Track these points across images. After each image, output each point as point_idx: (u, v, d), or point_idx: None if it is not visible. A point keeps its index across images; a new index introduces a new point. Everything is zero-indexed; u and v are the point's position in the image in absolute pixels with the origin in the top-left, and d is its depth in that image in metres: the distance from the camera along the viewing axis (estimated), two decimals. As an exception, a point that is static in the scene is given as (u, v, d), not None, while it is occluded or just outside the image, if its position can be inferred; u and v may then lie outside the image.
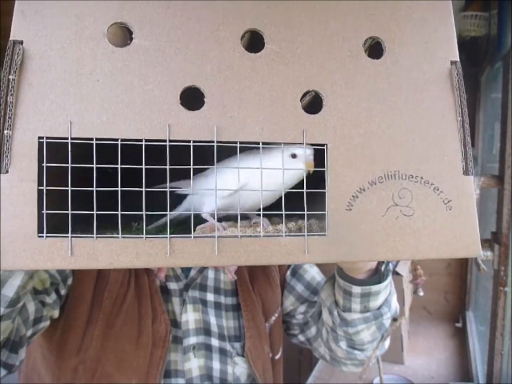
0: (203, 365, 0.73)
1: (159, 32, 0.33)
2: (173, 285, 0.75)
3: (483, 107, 2.38)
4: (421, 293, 1.73)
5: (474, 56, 2.25)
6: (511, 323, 1.19)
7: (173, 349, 0.72)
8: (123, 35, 0.36)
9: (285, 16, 0.34)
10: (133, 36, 0.34)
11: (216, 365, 0.74)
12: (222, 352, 0.75)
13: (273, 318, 0.82)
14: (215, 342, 0.75)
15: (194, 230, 0.36)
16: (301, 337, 0.88)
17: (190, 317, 0.73)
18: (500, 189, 1.19)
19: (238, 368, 0.76)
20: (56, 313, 0.68)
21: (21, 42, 0.33)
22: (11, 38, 0.34)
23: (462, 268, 2.58)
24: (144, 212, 0.34)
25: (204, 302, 0.76)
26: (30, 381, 0.76)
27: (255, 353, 0.77)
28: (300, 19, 0.34)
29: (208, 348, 0.74)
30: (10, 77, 0.32)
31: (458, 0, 1.62)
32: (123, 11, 0.33)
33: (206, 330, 0.74)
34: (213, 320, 0.75)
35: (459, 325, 2.40)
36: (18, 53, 0.32)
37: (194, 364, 0.72)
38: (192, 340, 0.73)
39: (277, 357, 0.85)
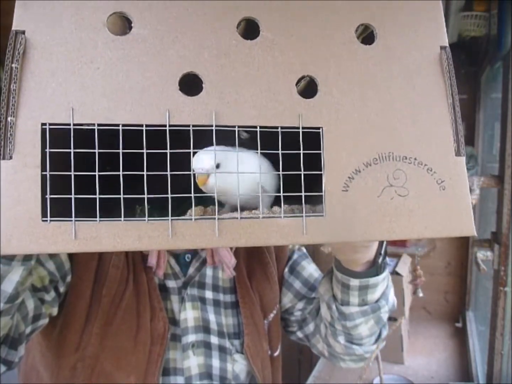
0: (203, 363, 0.73)
1: (158, 22, 0.34)
2: (171, 283, 0.75)
3: (483, 107, 2.38)
4: (421, 294, 1.73)
5: (474, 56, 2.25)
6: (511, 323, 1.19)
7: (172, 347, 0.72)
8: (123, 24, 0.36)
9: (279, 4, 0.36)
10: (132, 25, 0.35)
11: (215, 363, 0.74)
12: (222, 349, 0.75)
13: (272, 315, 0.82)
14: (214, 339, 0.75)
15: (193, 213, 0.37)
16: (300, 334, 0.88)
17: (189, 315, 0.73)
18: (500, 189, 1.19)
19: (238, 365, 0.76)
20: (55, 311, 0.68)
21: (23, 32, 0.34)
22: (13, 28, 0.35)
23: (462, 268, 2.58)
24: (145, 196, 0.35)
25: (202, 300, 0.76)
26: (29, 379, 0.76)
27: (254, 350, 0.76)
28: (294, 7, 0.36)
29: (207, 346, 0.74)
30: (13, 65, 0.33)
31: (458, 0, 1.62)
32: (123, 1, 0.34)
33: (205, 328, 0.74)
34: (212, 317, 0.75)
35: (459, 325, 2.40)
36: (20, 42, 0.33)
37: (193, 362, 0.72)
38: (191, 338, 0.73)
39: (275, 354, 0.83)
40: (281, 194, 0.36)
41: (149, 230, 0.34)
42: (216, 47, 0.35)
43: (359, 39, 0.39)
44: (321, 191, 0.36)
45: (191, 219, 0.35)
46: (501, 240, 1.17)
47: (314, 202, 0.38)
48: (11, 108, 0.32)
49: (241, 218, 0.35)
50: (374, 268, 0.64)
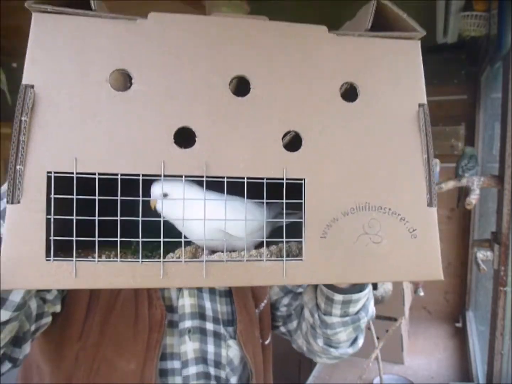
0: (198, 348, 0.75)
1: (156, 78, 0.37)
2: None
3: (483, 107, 2.38)
4: (421, 293, 1.73)
5: (474, 56, 2.25)
6: (511, 323, 1.19)
7: (169, 333, 0.74)
8: (124, 79, 0.39)
9: (269, 63, 0.38)
10: (133, 81, 0.38)
11: (210, 348, 0.76)
12: (217, 335, 0.77)
13: (263, 304, 0.84)
14: (209, 326, 0.77)
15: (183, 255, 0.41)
16: (283, 329, 0.90)
17: (186, 301, 0.75)
18: (500, 189, 1.19)
19: (232, 350, 0.78)
20: (58, 308, 0.69)
21: (32, 86, 0.37)
22: (23, 82, 0.37)
23: (462, 268, 2.58)
24: (140, 240, 0.38)
25: (199, 288, 0.78)
26: (28, 375, 0.77)
27: (246, 336, 0.79)
28: (282, 66, 0.39)
29: (203, 332, 0.76)
30: (23, 118, 0.36)
31: (458, 0, 1.62)
32: (124, 59, 0.37)
33: (201, 315, 0.76)
34: (208, 304, 0.77)
35: (459, 325, 2.40)
36: (30, 97, 0.36)
37: (189, 347, 0.74)
38: (187, 323, 0.75)
39: (266, 342, 0.86)
40: (264, 239, 0.39)
41: (142, 270, 0.37)
42: (209, 103, 0.37)
43: (342, 93, 0.41)
44: (302, 236, 0.39)
45: (181, 261, 0.38)
46: (501, 240, 1.17)
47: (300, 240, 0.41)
48: (20, 158, 0.35)
49: (226, 261, 0.38)
50: (358, 286, 0.67)
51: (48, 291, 0.66)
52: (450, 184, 1.35)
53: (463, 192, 1.64)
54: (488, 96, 2.25)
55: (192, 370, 0.74)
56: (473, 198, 1.24)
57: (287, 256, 0.40)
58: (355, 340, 0.79)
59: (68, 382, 0.70)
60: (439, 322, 2.51)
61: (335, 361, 0.84)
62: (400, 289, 1.91)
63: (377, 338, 1.58)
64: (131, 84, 0.38)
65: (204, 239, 0.39)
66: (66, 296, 0.70)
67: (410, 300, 2.09)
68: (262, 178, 0.38)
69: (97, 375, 0.70)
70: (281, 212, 0.42)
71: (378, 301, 1.74)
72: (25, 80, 0.37)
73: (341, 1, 1.77)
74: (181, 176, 0.37)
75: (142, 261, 0.37)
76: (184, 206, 0.38)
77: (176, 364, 0.74)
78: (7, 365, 0.62)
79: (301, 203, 0.39)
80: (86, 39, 0.37)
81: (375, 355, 1.57)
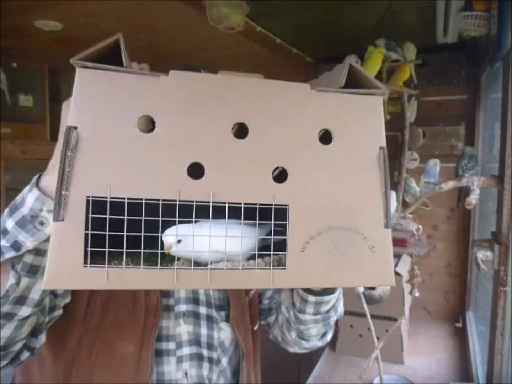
0: (192, 330, 0.82)
1: (174, 123, 0.47)
2: None
3: (483, 107, 2.38)
4: (417, 294, 1.73)
5: (474, 56, 2.25)
6: (511, 323, 1.19)
7: (165, 316, 0.80)
8: (148, 123, 0.48)
9: (263, 113, 0.49)
10: (156, 125, 0.47)
11: (203, 330, 0.83)
12: (209, 319, 0.84)
13: (252, 292, 0.92)
14: (203, 310, 0.84)
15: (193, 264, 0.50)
16: (263, 322, 0.98)
17: None
18: (500, 189, 1.19)
19: (223, 333, 0.85)
20: (68, 299, 0.75)
21: (76, 128, 0.46)
22: (68, 124, 0.46)
23: (462, 268, 2.58)
24: (159, 251, 0.48)
25: None
26: (29, 366, 0.80)
27: (238, 320, 0.86)
28: (273, 116, 0.49)
29: (196, 315, 0.83)
30: (68, 153, 0.45)
31: (458, 0, 1.62)
32: (149, 107, 0.47)
33: (195, 299, 0.83)
34: (201, 290, 0.84)
35: (459, 325, 2.40)
36: (74, 136, 0.45)
37: (183, 330, 0.81)
38: (182, 307, 0.82)
39: (255, 328, 0.93)
40: (256, 252, 0.51)
41: (160, 275, 0.47)
42: (216, 144, 0.47)
43: (320, 137, 0.51)
44: (286, 250, 0.50)
45: (190, 269, 0.48)
46: (501, 240, 1.17)
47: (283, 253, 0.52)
48: (65, 185, 0.45)
49: (227, 269, 0.48)
50: (329, 289, 0.77)
51: None
52: (450, 184, 1.35)
53: (463, 192, 1.64)
54: (488, 96, 2.25)
55: (186, 351, 0.81)
56: (473, 198, 1.24)
57: (279, 265, 0.51)
58: (324, 335, 0.89)
59: (70, 365, 0.75)
60: (439, 322, 2.51)
61: (305, 351, 0.94)
62: (400, 289, 1.91)
63: (377, 338, 1.58)
64: (153, 127, 0.47)
65: (209, 261, 0.50)
66: None
67: (410, 300, 2.09)
68: (256, 204, 0.48)
69: (98, 357, 0.75)
70: (270, 230, 0.53)
71: (376, 301, 1.74)
72: (69, 122, 0.46)
73: (341, 1, 1.77)
74: (192, 202, 0.47)
75: (160, 268, 0.47)
76: (193, 244, 0.49)
77: (171, 345, 0.80)
78: (25, 354, 0.70)
79: (286, 224, 0.49)
80: (119, 90, 0.47)
81: (375, 355, 1.57)
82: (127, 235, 0.46)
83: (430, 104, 2.52)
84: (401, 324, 1.88)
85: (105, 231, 0.46)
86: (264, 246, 0.53)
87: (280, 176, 0.50)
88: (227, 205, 0.47)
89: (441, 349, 2.13)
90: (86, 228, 0.45)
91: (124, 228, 0.46)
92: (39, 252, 0.61)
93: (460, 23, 1.58)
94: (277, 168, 0.49)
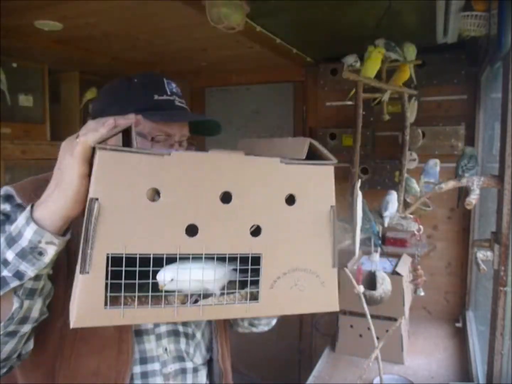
0: (173, 348, 0.90)
1: (175, 194, 0.59)
2: None
3: (483, 107, 2.38)
4: (422, 293, 1.73)
5: (474, 56, 2.25)
6: (511, 323, 1.19)
7: (146, 340, 0.87)
8: (153, 193, 0.59)
9: (243, 183, 0.62)
10: (161, 195, 0.58)
11: (183, 347, 0.91)
12: (187, 335, 0.92)
13: None
14: (180, 328, 0.92)
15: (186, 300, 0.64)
16: None
17: None
18: (500, 189, 1.19)
19: (199, 344, 0.95)
20: (50, 298, 0.76)
21: (97, 199, 0.56)
22: (90, 196, 0.56)
23: (462, 268, 2.58)
24: (163, 294, 0.61)
25: None
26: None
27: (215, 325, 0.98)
28: (252, 184, 0.62)
29: (176, 333, 0.91)
30: (92, 219, 0.55)
31: (458, 0, 1.62)
32: (155, 181, 0.58)
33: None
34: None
35: (459, 325, 2.40)
36: (96, 207, 0.55)
37: (167, 348, 0.89)
38: (162, 328, 0.89)
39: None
40: (237, 291, 0.65)
41: (163, 312, 0.59)
42: (207, 209, 0.60)
43: (286, 200, 0.65)
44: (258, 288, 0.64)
45: (187, 306, 0.61)
46: (501, 240, 1.17)
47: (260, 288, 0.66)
48: (90, 245, 0.55)
49: (214, 304, 0.62)
50: None
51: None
52: (450, 184, 1.35)
53: (463, 192, 1.64)
54: (488, 96, 2.24)
55: (163, 328, 0.89)
56: (473, 198, 1.24)
57: (253, 298, 0.64)
58: (270, 322, 1.07)
59: (54, 358, 0.79)
60: (439, 322, 2.51)
61: (255, 333, 1.14)
62: (400, 290, 1.91)
63: (377, 338, 1.58)
64: (159, 196, 0.58)
65: (202, 298, 0.64)
66: (51, 274, 0.74)
67: (410, 301, 2.09)
68: (237, 254, 0.62)
69: (80, 345, 0.80)
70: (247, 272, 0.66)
71: (377, 301, 1.74)
72: (91, 195, 0.56)
73: (341, 1, 1.77)
74: (189, 254, 0.60)
75: (164, 306, 0.60)
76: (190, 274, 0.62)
77: (149, 324, 0.87)
78: (17, 361, 0.76)
79: (259, 268, 0.63)
80: (131, 167, 0.57)
81: (375, 355, 1.57)
82: (135, 278, 0.59)
83: (430, 104, 2.52)
84: (401, 324, 1.88)
85: (121, 277, 0.58)
86: (240, 283, 0.66)
87: (256, 231, 0.63)
88: (215, 256, 0.61)
89: (441, 349, 2.13)
90: (106, 278, 0.56)
91: (136, 277, 0.58)
92: (37, 277, 0.67)
93: (460, 23, 1.58)
94: (253, 225, 0.62)
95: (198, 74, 3.20)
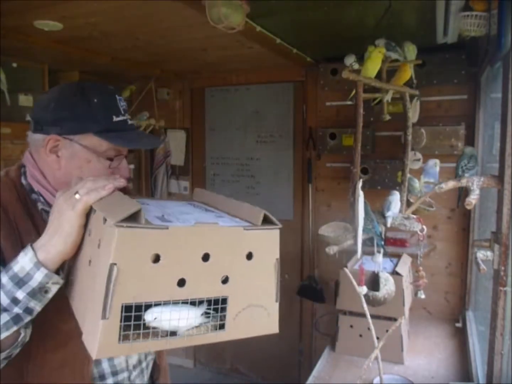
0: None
1: (171, 256, 0.72)
2: None
3: (483, 107, 2.38)
4: (423, 296, 1.72)
5: (474, 56, 2.25)
6: (511, 323, 1.19)
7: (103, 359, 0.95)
8: (155, 256, 0.72)
9: (219, 246, 0.76)
10: (161, 258, 0.71)
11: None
12: None
13: None
14: None
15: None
16: None
17: None
18: (500, 189, 1.19)
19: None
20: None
21: (115, 264, 0.68)
22: (110, 261, 0.68)
23: (462, 268, 2.58)
24: (160, 330, 0.75)
25: None
26: None
27: None
28: (224, 246, 0.77)
29: None
30: (112, 279, 0.68)
31: (458, 0, 1.62)
32: (158, 248, 0.71)
33: None
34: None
35: (459, 325, 2.40)
36: (115, 269, 0.68)
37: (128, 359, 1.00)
38: None
39: None
40: (210, 323, 0.79)
41: (159, 343, 0.74)
42: (193, 267, 0.75)
43: (246, 254, 0.80)
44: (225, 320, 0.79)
45: (176, 338, 0.75)
46: (501, 240, 1.17)
47: (229, 317, 0.80)
48: (110, 298, 0.68)
49: (195, 334, 0.77)
50: None
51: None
52: (450, 184, 1.35)
53: (463, 192, 1.63)
54: (488, 96, 2.24)
55: None
56: (473, 198, 1.24)
57: (220, 327, 0.79)
58: None
59: (23, 355, 0.85)
60: (439, 322, 2.51)
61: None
62: (400, 289, 1.91)
63: (377, 338, 1.58)
64: (160, 259, 0.71)
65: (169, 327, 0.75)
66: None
67: (410, 301, 2.09)
68: (211, 297, 0.77)
69: (46, 339, 0.89)
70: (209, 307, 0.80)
71: (380, 302, 1.73)
72: (111, 260, 0.68)
73: (341, 1, 1.77)
74: (179, 301, 0.74)
75: (160, 339, 0.75)
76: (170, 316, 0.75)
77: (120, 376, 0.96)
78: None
79: (226, 306, 0.79)
80: (141, 238, 0.71)
81: (375, 355, 1.57)
82: (135, 315, 0.72)
83: (430, 104, 2.52)
84: (401, 324, 1.88)
85: (131, 318, 0.72)
86: (214, 317, 0.82)
87: (225, 280, 0.78)
88: (197, 300, 0.77)
89: (441, 349, 2.13)
90: (120, 321, 0.70)
91: (142, 319, 0.72)
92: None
93: (460, 23, 1.58)
94: (224, 275, 0.78)
95: (198, 74, 3.20)
